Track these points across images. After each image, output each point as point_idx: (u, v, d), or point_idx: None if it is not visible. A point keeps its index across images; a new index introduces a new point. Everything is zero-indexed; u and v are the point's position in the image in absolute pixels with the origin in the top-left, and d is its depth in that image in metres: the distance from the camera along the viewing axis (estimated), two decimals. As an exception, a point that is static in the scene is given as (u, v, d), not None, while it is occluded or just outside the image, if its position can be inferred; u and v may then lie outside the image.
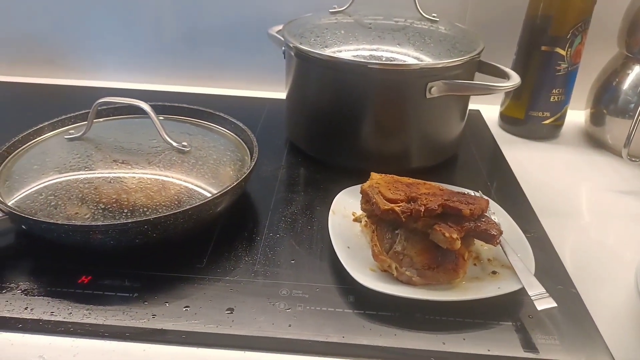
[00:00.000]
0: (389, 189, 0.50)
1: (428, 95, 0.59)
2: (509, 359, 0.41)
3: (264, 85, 0.89)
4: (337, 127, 0.64)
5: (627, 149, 0.65)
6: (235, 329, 0.42)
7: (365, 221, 0.53)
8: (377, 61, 0.59)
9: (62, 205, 0.48)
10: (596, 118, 0.77)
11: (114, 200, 0.49)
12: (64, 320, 0.42)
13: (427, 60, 0.60)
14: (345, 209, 0.55)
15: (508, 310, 0.45)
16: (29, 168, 0.54)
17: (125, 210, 0.48)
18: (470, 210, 0.46)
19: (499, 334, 0.43)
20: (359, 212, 0.55)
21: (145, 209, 0.48)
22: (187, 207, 0.47)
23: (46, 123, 0.61)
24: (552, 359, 0.40)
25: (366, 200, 0.51)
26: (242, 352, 0.40)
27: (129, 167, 0.53)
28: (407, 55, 0.60)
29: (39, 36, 0.89)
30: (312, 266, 0.49)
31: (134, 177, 0.52)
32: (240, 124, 0.61)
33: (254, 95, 0.88)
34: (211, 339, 0.41)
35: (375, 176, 0.53)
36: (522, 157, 0.73)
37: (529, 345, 0.42)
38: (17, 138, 0.58)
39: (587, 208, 0.63)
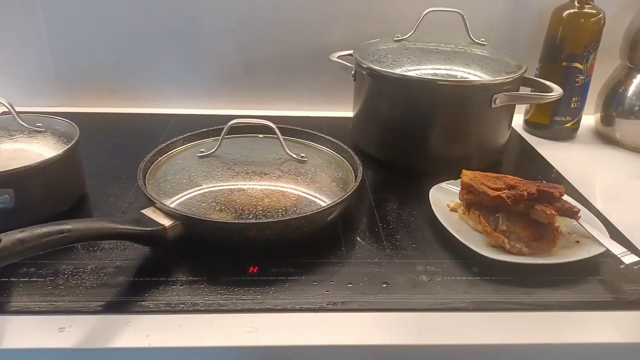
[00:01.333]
0: (488, 181, 0.61)
1: (493, 105, 0.71)
2: (611, 302, 0.52)
3: (317, 105, 0.99)
4: (409, 136, 0.76)
5: (645, 143, 0.80)
6: (398, 297, 0.52)
7: (463, 210, 0.64)
8: (451, 78, 0.72)
9: (220, 210, 0.57)
10: (606, 120, 0.92)
11: (266, 204, 0.58)
12: (261, 300, 0.50)
13: (486, 77, 0.72)
14: (439, 201, 0.66)
15: (596, 268, 0.57)
16: (176, 182, 0.61)
17: (280, 211, 0.57)
18: (559, 192, 0.59)
19: (597, 285, 0.55)
20: (452, 204, 0.66)
21: (295, 209, 0.57)
22: (333, 202, 0.57)
23: (175, 139, 0.69)
24: (642, 300, 0.53)
25: (468, 191, 0.62)
26: (408, 313, 0.50)
27: (266, 176, 0.62)
28: (471, 74, 0.73)
29: (104, 69, 0.95)
30: (432, 248, 0.60)
31: (270, 185, 0.61)
32: (339, 142, 0.71)
33: (308, 114, 0.98)
34: (381, 305, 0.50)
35: (467, 172, 0.64)
36: (551, 154, 0.87)
37: (621, 291, 0.54)
38: (153, 152, 0.66)
39: (617, 191, 0.77)
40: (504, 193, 0.58)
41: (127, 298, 0.50)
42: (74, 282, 0.52)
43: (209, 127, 0.73)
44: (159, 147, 0.68)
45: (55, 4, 0.89)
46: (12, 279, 0.52)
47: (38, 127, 0.64)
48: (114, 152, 0.80)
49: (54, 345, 0.45)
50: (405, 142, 0.76)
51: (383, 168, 0.78)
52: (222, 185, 0.61)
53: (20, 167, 0.56)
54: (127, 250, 0.57)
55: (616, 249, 0.56)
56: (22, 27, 0.91)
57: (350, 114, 0.91)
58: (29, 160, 0.59)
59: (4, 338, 0.45)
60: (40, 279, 0.52)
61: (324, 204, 0.59)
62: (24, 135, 0.63)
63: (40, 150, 0.63)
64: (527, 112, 0.96)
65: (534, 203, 0.58)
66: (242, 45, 0.95)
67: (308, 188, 0.62)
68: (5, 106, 0.61)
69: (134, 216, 0.54)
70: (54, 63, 0.94)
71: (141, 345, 0.45)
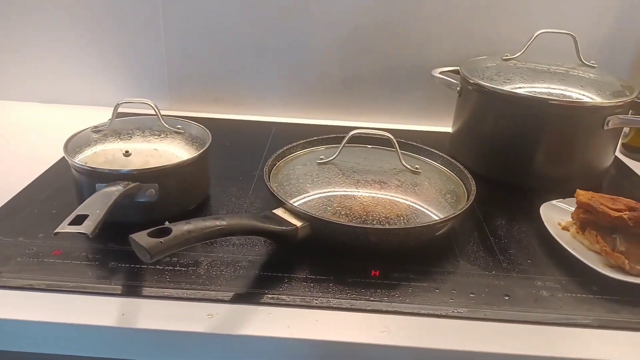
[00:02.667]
0: (607, 202, 0.62)
1: (605, 128, 0.72)
2: None
3: (411, 119, 1.02)
4: (514, 153, 0.77)
5: None
6: (522, 309, 0.53)
7: (576, 229, 0.65)
8: (565, 98, 0.73)
9: (345, 215, 0.60)
10: None
11: (387, 212, 0.61)
12: (388, 303, 0.53)
13: (600, 99, 0.73)
14: (551, 219, 0.67)
15: None
16: (299, 186, 0.65)
17: (402, 219, 0.60)
18: (682, 216, 0.58)
19: None
20: (563, 223, 0.67)
21: (415, 217, 0.60)
22: (454, 213, 0.59)
23: (291, 145, 0.74)
24: None
25: (585, 210, 0.63)
26: (534, 325, 0.51)
27: (385, 185, 0.66)
28: (585, 96, 0.73)
29: (212, 77, 1.02)
30: (547, 264, 0.61)
31: (388, 194, 0.64)
32: (448, 157, 0.73)
33: (402, 128, 1.01)
34: (506, 316, 0.52)
35: (582, 192, 0.65)
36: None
37: None
38: (274, 156, 0.70)
39: None
40: (625, 214, 0.59)
41: (264, 290, 0.54)
42: (214, 273, 0.56)
43: (310, 136, 0.77)
44: (278, 151, 0.72)
45: (175, 15, 0.96)
46: (158, 267, 0.57)
47: (178, 129, 0.70)
48: (226, 155, 0.85)
49: (205, 330, 0.49)
50: (510, 159, 0.77)
51: (485, 183, 0.78)
52: (343, 191, 0.64)
53: (166, 165, 0.61)
54: (257, 246, 0.61)
55: None
56: (143, 35, 0.98)
57: (444, 128, 0.93)
58: (165, 159, 0.65)
59: (159, 320, 0.50)
60: (183, 268, 0.56)
61: (440, 215, 0.61)
62: (163, 136, 0.69)
63: (174, 150, 0.68)
64: (625, 136, 0.95)
65: (655, 226, 0.58)
66: (345, 60, 0.99)
67: (424, 198, 0.65)
68: (152, 107, 0.67)
69: (268, 215, 0.58)
70: (167, 69, 1.01)
71: (284, 335, 0.49)
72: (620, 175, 0.87)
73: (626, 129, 0.95)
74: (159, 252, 0.45)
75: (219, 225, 0.50)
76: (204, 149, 0.66)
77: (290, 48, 0.98)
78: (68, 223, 0.49)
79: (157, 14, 0.96)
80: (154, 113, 0.68)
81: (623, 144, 0.96)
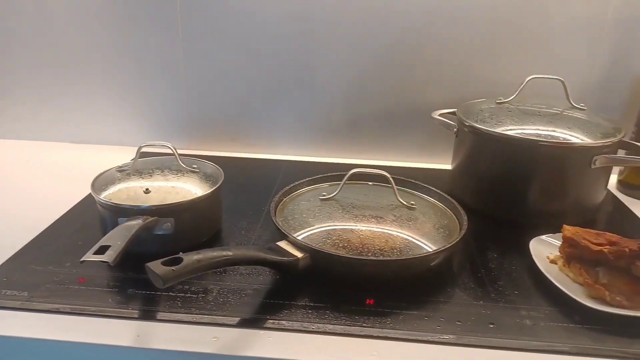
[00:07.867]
0: (590, 236, 0.66)
1: (593, 167, 0.76)
2: None
3: (413, 157, 1.08)
4: (508, 191, 0.81)
5: None
6: (505, 337, 0.57)
7: (563, 262, 0.68)
8: (553, 139, 0.78)
9: (343, 247, 0.65)
10: None
11: (382, 245, 0.66)
12: (380, 329, 0.57)
13: (588, 140, 0.77)
14: (540, 253, 0.71)
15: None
16: (302, 220, 0.71)
17: (395, 251, 0.65)
18: (660, 250, 0.62)
19: (701, 343, 0.57)
20: (552, 256, 0.71)
21: (408, 250, 0.65)
22: (444, 246, 0.64)
23: (297, 182, 0.80)
24: None
25: (570, 244, 0.67)
26: (515, 352, 0.55)
27: (381, 220, 0.71)
28: (573, 136, 0.78)
29: (228, 118, 1.10)
30: (533, 295, 0.65)
31: (384, 228, 0.69)
32: (443, 193, 0.78)
33: (404, 165, 1.06)
34: (490, 343, 0.56)
35: (568, 227, 0.69)
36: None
37: None
38: (280, 193, 0.76)
39: None
40: (606, 248, 0.63)
41: (266, 316, 0.59)
42: (222, 299, 0.61)
43: (317, 173, 0.83)
44: (285, 189, 0.78)
45: (196, 65, 1.05)
46: (171, 294, 0.62)
47: (194, 168, 0.77)
48: (239, 192, 0.91)
49: (211, 351, 0.54)
50: (504, 196, 0.82)
51: (480, 218, 0.83)
52: (343, 225, 0.70)
53: (181, 201, 0.68)
54: (261, 276, 0.66)
55: None
56: (166, 81, 1.07)
57: (443, 166, 0.99)
58: (182, 196, 0.72)
59: (170, 342, 0.55)
60: (194, 295, 0.62)
61: (433, 247, 0.66)
62: (180, 174, 0.76)
63: (189, 187, 0.75)
64: (621, 173, 0.99)
65: (634, 260, 0.62)
66: (349, 102, 1.06)
67: (417, 232, 0.70)
68: (170, 149, 0.74)
69: (272, 247, 0.64)
70: (187, 112, 1.09)
71: (283, 357, 0.53)
72: (614, 211, 0.91)
73: (622, 167, 0.99)
74: (171, 279, 0.51)
75: (226, 256, 0.56)
76: (217, 186, 0.72)
77: (299, 92, 1.06)
78: (92, 252, 0.55)
79: (179, 64, 1.05)
80: (172, 154, 0.75)
81: (619, 181, 0.99)
